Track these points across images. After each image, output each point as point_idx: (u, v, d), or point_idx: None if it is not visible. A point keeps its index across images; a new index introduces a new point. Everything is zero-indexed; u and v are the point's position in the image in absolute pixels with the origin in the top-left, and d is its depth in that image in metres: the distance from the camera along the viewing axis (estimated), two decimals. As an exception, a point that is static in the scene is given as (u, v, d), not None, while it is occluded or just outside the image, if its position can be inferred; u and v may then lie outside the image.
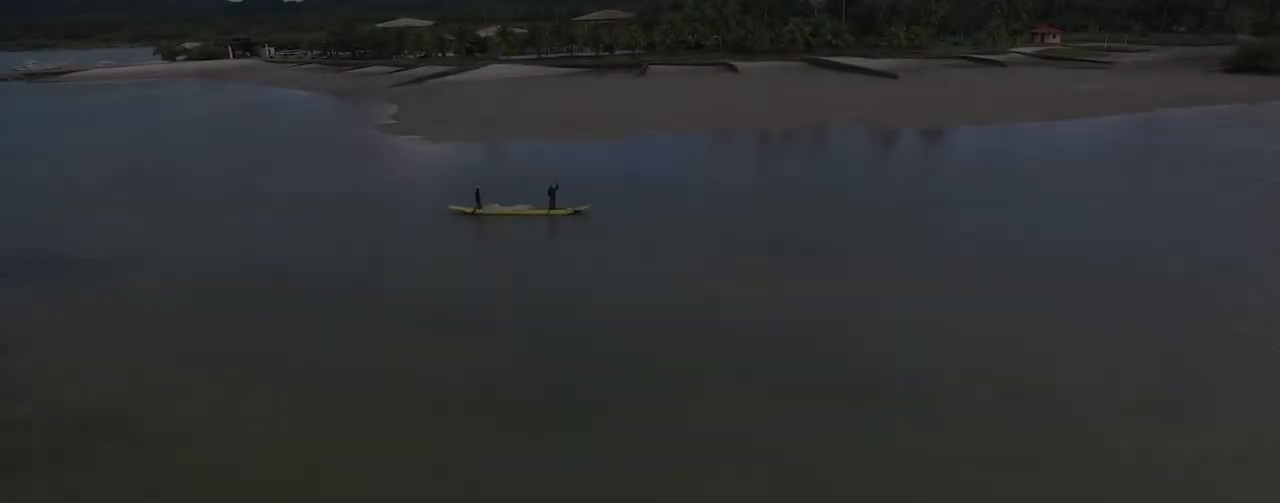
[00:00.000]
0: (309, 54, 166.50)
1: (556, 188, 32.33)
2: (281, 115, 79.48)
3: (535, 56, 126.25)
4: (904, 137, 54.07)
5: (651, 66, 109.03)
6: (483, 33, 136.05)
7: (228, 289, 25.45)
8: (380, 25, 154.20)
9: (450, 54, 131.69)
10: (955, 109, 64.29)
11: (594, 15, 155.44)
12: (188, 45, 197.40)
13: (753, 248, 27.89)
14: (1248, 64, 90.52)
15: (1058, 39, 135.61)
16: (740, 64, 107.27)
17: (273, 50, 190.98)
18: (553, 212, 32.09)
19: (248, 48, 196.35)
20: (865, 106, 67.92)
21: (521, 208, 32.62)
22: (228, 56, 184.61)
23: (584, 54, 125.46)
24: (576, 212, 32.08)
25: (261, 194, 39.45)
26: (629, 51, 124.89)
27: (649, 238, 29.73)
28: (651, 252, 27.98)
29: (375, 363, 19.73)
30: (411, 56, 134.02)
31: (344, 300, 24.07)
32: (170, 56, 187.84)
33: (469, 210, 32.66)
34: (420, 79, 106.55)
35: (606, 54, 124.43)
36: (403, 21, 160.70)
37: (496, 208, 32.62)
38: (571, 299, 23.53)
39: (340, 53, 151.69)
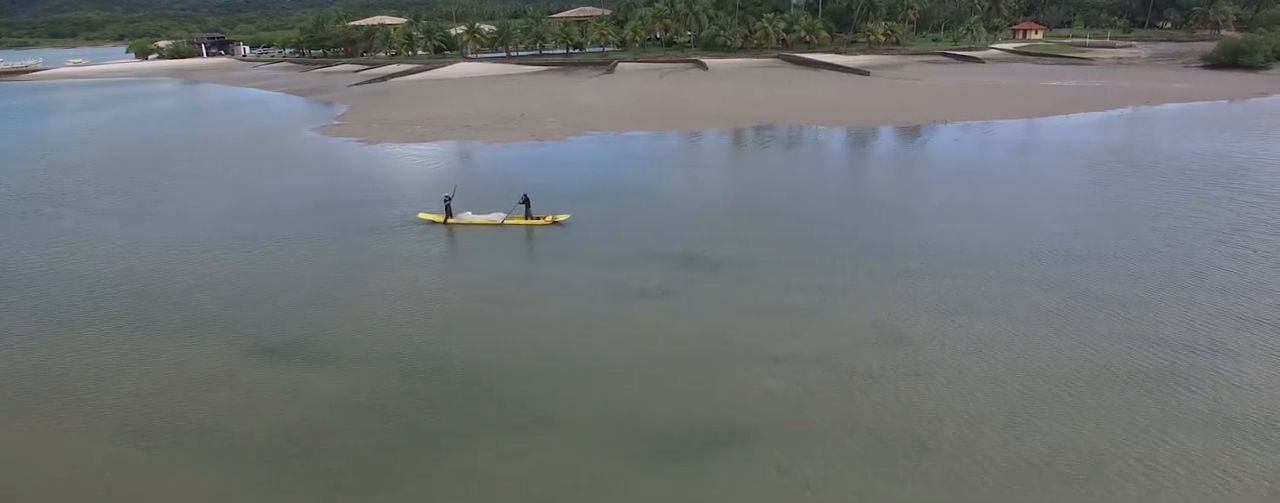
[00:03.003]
0: (282, 52, 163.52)
1: (529, 198, 29.86)
2: (226, 115, 76.73)
3: (504, 54, 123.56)
4: (857, 137, 51.59)
5: (621, 64, 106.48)
6: (454, 31, 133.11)
7: (67, 315, 22.82)
8: (352, 23, 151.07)
9: (420, 52, 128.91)
10: (919, 108, 61.87)
11: (572, 12, 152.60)
12: (161, 43, 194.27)
13: (666, 263, 25.35)
14: (1227, 60, 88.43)
15: (1040, 35, 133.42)
16: (710, 61, 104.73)
17: (247, 48, 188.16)
18: (531, 221, 29.61)
19: (222, 46, 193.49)
20: (828, 105, 65.61)
21: (497, 218, 30.10)
22: (202, 55, 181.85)
23: (555, 52, 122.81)
24: (555, 222, 29.60)
25: (163, 204, 36.68)
26: (600, 49, 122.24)
27: (605, 254, 27.03)
28: (586, 271, 25.51)
29: (191, 400, 17.36)
30: (381, 54, 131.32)
31: (199, 326, 21.49)
32: (143, 55, 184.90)
33: (439, 220, 30.19)
34: (384, 77, 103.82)
35: (576, 52, 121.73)
36: (377, 19, 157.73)
37: (469, 217, 30.15)
38: (463, 328, 20.87)
39: (313, 51, 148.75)
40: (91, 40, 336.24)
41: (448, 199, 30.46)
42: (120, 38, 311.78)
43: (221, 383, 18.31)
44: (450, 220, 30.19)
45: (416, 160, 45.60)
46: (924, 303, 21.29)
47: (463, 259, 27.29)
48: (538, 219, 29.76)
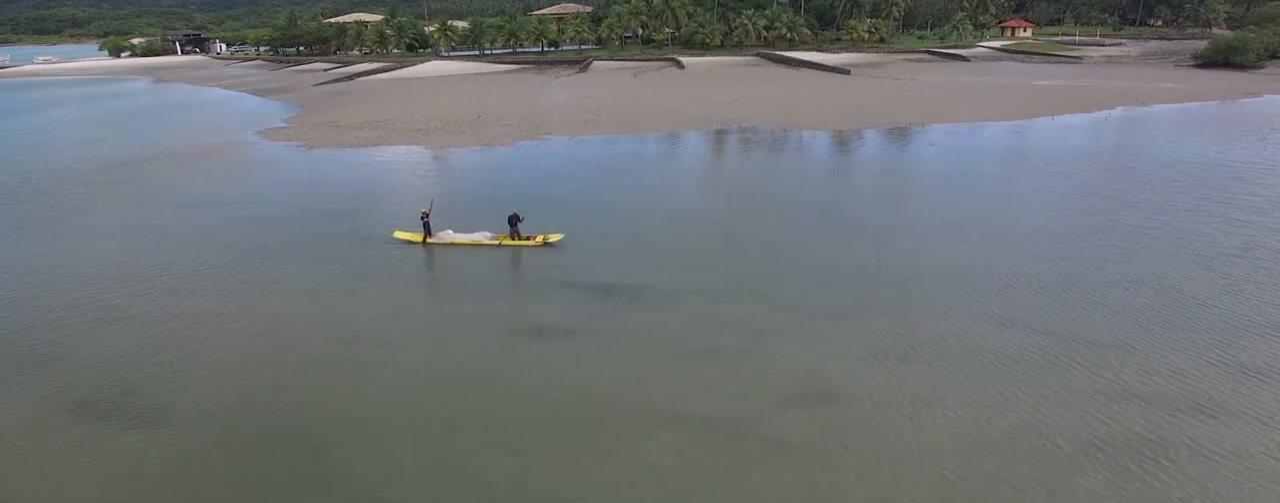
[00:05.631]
0: (257, 51, 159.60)
1: (520, 216, 26.74)
2: (176, 117, 73.09)
3: (478, 53, 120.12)
4: (828, 141, 48.45)
5: (596, 63, 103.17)
6: (428, 28, 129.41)
7: None
8: (326, 20, 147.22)
9: (394, 50, 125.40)
10: (898, 109, 58.76)
11: (552, 9, 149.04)
12: (135, 41, 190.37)
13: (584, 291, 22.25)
14: (1219, 59, 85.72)
15: (1028, 33, 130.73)
16: (688, 59, 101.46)
17: (223, 46, 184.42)
18: (520, 242, 26.45)
19: (198, 44, 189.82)
20: (803, 106, 62.49)
21: (482, 237, 26.92)
22: (176, 53, 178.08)
23: (530, 50, 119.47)
24: (547, 242, 26.40)
25: (50, 218, 33.42)
26: (577, 47, 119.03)
27: (517, 281, 24.10)
28: (489, 303, 22.32)
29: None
30: (354, 52, 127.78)
31: (19, 373, 18.36)
32: (116, 52, 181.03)
33: (417, 239, 27.03)
34: (351, 77, 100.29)
35: (552, 49, 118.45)
36: (354, 16, 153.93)
37: (450, 236, 27.00)
38: (322, 378, 17.70)
39: (287, 49, 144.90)
40: (76, 37, 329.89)
41: (425, 216, 27.24)
42: (105, 35, 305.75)
43: (8, 454, 15.19)
44: (430, 239, 27.01)
45: (351, 168, 42.33)
46: (867, 345, 18.19)
47: (366, 287, 23.70)
48: (527, 239, 26.60)
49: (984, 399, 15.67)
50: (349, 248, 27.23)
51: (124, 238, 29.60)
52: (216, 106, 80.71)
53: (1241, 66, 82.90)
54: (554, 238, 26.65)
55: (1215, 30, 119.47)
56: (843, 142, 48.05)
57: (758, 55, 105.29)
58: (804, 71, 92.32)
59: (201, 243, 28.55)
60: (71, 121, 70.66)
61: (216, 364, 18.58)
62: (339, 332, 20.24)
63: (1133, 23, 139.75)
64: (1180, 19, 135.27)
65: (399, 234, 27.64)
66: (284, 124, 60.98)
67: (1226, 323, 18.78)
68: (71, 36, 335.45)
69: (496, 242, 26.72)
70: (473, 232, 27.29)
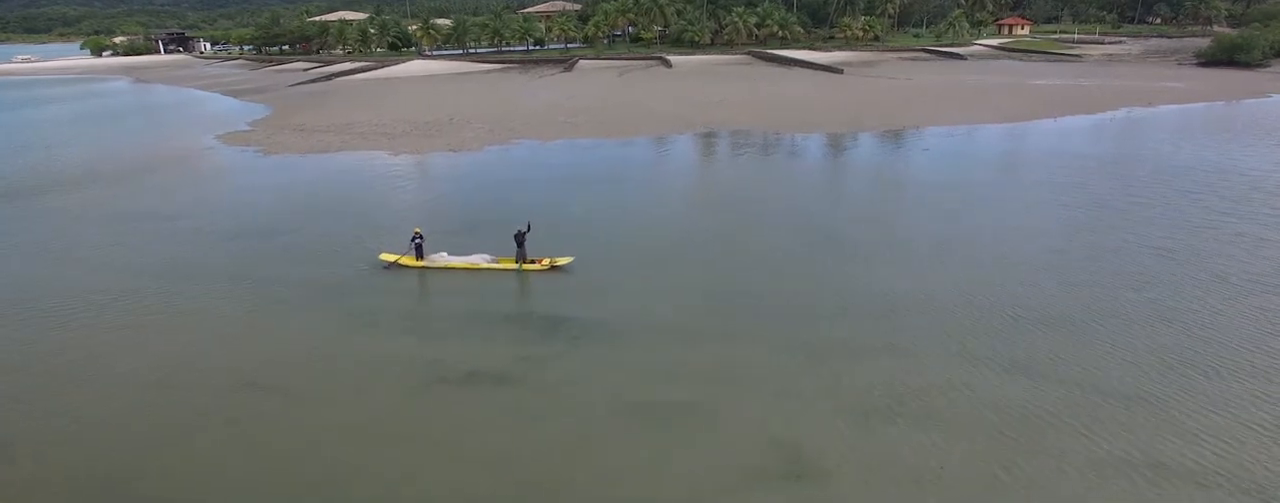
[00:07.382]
0: (240, 49, 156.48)
1: (527, 231, 23.74)
2: (142, 119, 70.03)
3: (461, 52, 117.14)
4: (814, 146, 45.52)
5: (582, 62, 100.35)
6: (411, 27, 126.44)
7: None
8: (309, 19, 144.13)
9: (377, 49, 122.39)
10: (890, 110, 56.06)
11: (540, 8, 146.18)
12: (117, 40, 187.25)
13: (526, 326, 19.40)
14: (1223, 57, 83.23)
15: (1026, 30, 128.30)
16: (675, 58, 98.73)
17: (207, 45, 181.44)
18: (524, 266, 23.53)
19: (182, 43, 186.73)
20: (791, 107, 59.67)
21: (480, 260, 23.98)
22: (159, 52, 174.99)
23: (515, 49, 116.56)
24: (555, 266, 23.52)
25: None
26: (563, 45, 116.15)
27: (455, 314, 21.20)
28: (415, 340, 19.43)
29: None
30: (337, 51, 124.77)
31: None
32: (98, 52, 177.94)
33: (406, 261, 24.12)
34: (330, 77, 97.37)
35: (536, 48, 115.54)
36: (337, 15, 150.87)
37: (444, 260, 24.08)
38: (196, 439, 14.90)
39: (269, 48, 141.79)
40: (66, 36, 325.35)
41: (417, 237, 24.26)
42: (96, 33, 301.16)
43: None
44: (421, 262, 24.10)
45: (306, 176, 39.36)
46: (847, 400, 15.38)
47: (290, 319, 20.69)
48: (533, 262, 23.72)
49: (986, 475, 12.90)
50: (286, 270, 24.30)
51: (33, 260, 26.60)
52: (188, 108, 77.64)
53: (1246, 65, 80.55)
54: (562, 261, 23.78)
55: (1216, 28, 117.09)
56: (834, 146, 45.20)
57: (749, 54, 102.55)
58: (796, 70, 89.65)
59: (119, 265, 25.58)
60: (37, 123, 67.59)
61: (79, 420, 15.72)
62: (239, 376, 17.37)
63: (1131, 20, 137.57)
64: (1180, 17, 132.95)
65: (385, 256, 24.54)
66: (248, 127, 57.99)
67: (1268, 367, 15.97)
68: (61, 35, 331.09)
69: (497, 265, 23.82)
70: (469, 254, 24.29)
